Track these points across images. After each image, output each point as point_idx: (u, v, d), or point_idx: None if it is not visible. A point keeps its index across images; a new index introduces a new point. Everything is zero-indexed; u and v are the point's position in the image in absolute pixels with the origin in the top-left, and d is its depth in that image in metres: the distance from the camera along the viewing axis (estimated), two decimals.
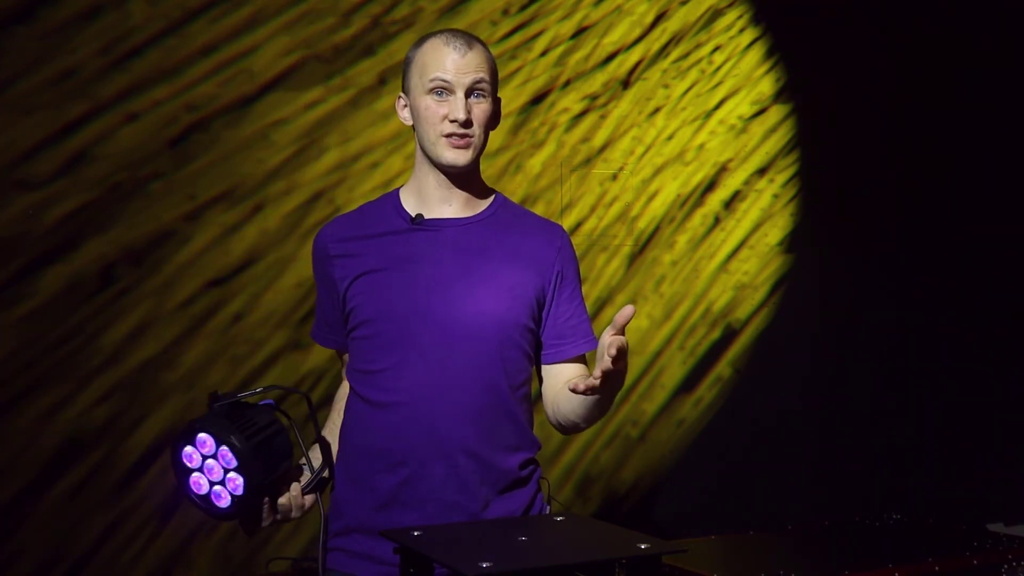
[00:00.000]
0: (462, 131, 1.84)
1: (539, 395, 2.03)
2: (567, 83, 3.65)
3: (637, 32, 3.80)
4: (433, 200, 1.92)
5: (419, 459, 1.82)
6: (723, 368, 3.96)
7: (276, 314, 3.11)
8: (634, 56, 3.79)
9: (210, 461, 1.67)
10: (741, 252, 4.01)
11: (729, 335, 3.98)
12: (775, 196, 4.09)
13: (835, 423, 4.13)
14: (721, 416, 3.93)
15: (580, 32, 3.68)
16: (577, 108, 3.68)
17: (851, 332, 4.21)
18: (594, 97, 3.71)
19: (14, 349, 2.80)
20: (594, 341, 1.98)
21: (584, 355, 2.00)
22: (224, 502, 1.68)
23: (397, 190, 1.99)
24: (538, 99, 3.60)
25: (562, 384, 1.91)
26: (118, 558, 2.89)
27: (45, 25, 2.85)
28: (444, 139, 1.85)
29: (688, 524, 3.63)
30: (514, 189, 3.52)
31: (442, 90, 1.85)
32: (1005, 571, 2.44)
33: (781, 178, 4.10)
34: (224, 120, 3.07)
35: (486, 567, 1.37)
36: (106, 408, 2.89)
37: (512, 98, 3.53)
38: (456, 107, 1.83)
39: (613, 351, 1.60)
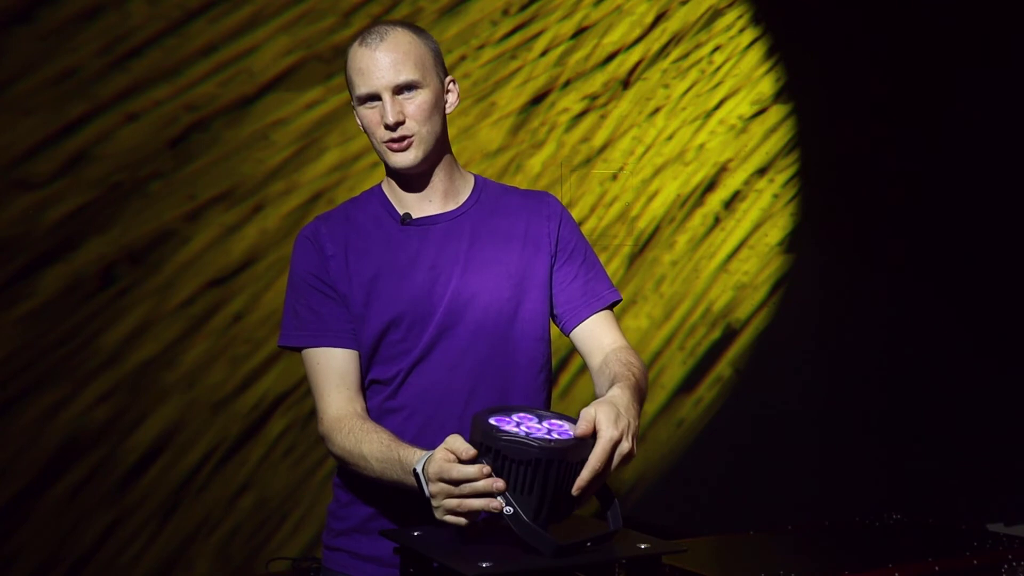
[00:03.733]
0: (396, 134, 1.78)
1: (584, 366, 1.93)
2: (567, 83, 3.65)
3: (637, 32, 3.79)
4: (410, 200, 1.88)
5: None
6: (723, 368, 3.96)
7: (276, 314, 3.10)
8: (634, 56, 3.79)
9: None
10: (741, 252, 4.01)
11: (729, 335, 3.97)
12: (775, 196, 4.09)
13: (835, 423, 4.13)
14: (721, 416, 3.92)
15: (580, 32, 3.68)
16: (577, 108, 3.68)
17: (851, 332, 4.21)
18: (594, 97, 3.71)
19: (14, 349, 2.80)
20: (610, 293, 1.90)
21: (608, 307, 1.90)
22: None
23: (379, 186, 1.94)
24: (538, 99, 3.59)
25: (593, 344, 1.86)
26: (118, 558, 2.89)
27: (45, 25, 2.85)
28: (384, 145, 1.81)
29: (688, 524, 3.63)
30: None
31: (370, 98, 1.80)
32: (1005, 571, 2.43)
33: (781, 178, 4.10)
34: (224, 120, 3.06)
35: (486, 567, 1.37)
36: (106, 408, 2.89)
37: (512, 98, 3.53)
38: (384, 111, 1.77)
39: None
